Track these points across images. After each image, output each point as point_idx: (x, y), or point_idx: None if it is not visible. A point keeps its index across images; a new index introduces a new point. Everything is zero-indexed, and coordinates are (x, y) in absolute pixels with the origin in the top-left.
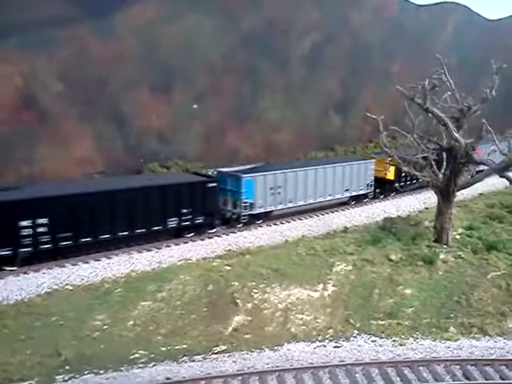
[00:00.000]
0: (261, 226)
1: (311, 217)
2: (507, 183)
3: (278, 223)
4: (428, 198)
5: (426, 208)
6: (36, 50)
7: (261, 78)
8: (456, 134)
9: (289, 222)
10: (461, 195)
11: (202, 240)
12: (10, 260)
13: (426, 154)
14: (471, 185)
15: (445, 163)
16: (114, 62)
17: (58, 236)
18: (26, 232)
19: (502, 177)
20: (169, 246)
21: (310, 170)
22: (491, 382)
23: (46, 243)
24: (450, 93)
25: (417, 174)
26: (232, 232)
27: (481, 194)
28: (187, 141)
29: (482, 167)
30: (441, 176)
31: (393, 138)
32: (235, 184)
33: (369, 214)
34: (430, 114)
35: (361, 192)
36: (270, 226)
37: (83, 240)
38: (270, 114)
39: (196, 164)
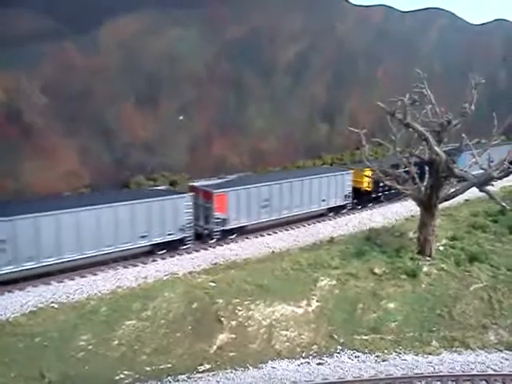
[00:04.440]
0: (248, 238)
1: (298, 227)
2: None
3: (264, 234)
4: (414, 206)
5: (412, 216)
6: (20, 65)
7: (246, 87)
8: (436, 149)
9: (276, 232)
10: (447, 202)
11: (189, 253)
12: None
13: (407, 168)
14: (453, 197)
15: (427, 176)
16: (99, 75)
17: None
18: None
19: (481, 191)
20: (155, 261)
21: None
22: None
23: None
24: (430, 106)
25: (399, 187)
26: (219, 245)
27: (467, 201)
28: (173, 152)
29: None
30: (423, 189)
31: (379, 145)
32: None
33: (355, 223)
34: (410, 129)
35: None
36: (256, 237)
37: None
38: (256, 122)
39: (183, 175)
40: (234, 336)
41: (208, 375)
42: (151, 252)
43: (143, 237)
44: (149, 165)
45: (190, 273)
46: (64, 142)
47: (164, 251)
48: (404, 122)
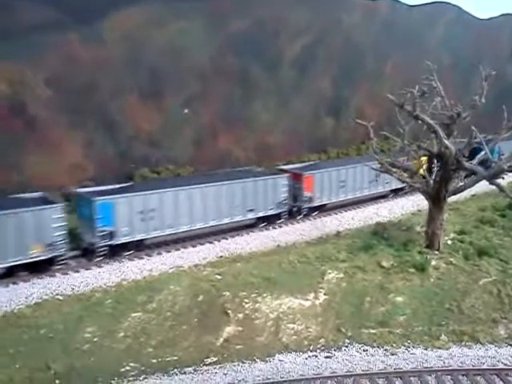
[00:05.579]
0: (252, 232)
1: (304, 221)
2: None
3: (269, 228)
4: (421, 200)
5: (419, 210)
6: (24, 57)
7: (252, 81)
8: (446, 142)
9: (281, 226)
10: (454, 196)
11: (194, 247)
12: None
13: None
14: (462, 191)
15: (435, 169)
16: (103, 67)
17: None
18: None
19: (491, 184)
20: (160, 254)
21: None
22: None
23: None
24: (440, 99)
25: (407, 180)
26: (224, 238)
27: (473, 196)
28: (178, 145)
29: None
30: (431, 182)
31: (386, 138)
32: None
33: (361, 218)
34: (419, 121)
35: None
36: (261, 231)
37: None
38: (261, 116)
39: (187, 168)
40: (240, 329)
41: (215, 368)
42: (254, 225)
43: (251, 210)
44: (153, 157)
45: (196, 266)
46: (68, 134)
47: (264, 224)
48: (413, 114)
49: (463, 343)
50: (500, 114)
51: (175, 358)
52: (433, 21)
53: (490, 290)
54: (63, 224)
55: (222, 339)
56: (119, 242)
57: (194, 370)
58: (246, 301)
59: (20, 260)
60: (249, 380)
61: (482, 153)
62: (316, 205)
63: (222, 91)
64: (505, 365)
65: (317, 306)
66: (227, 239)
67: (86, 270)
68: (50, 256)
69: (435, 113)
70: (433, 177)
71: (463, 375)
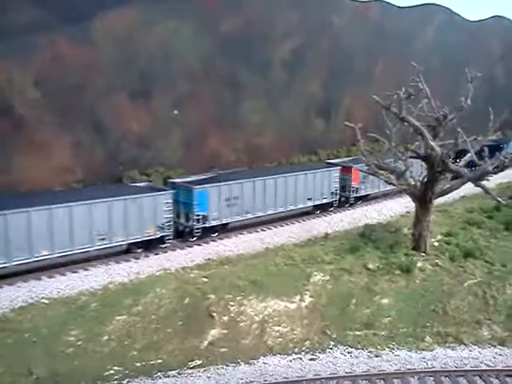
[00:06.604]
0: (242, 234)
1: (293, 223)
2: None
3: (258, 230)
4: (410, 202)
5: (408, 212)
6: (11, 57)
7: (241, 82)
8: (432, 143)
9: (270, 228)
10: (442, 198)
11: (182, 249)
12: None
13: (403, 163)
14: (448, 192)
15: (422, 171)
16: (92, 68)
17: None
18: None
19: (477, 186)
20: (147, 257)
21: None
22: None
23: None
24: (426, 101)
25: (394, 182)
26: (213, 241)
27: (463, 197)
28: (168, 147)
29: None
30: (418, 184)
31: (375, 140)
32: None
33: (350, 219)
34: (406, 123)
35: None
36: (251, 233)
37: None
38: (251, 117)
39: (177, 170)
40: (225, 331)
41: (199, 371)
42: (310, 212)
43: (309, 199)
44: (142, 159)
45: (183, 268)
46: (56, 136)
47: (318, 211)
48: (399, 116)
49: (447, 344)
50: (489, 116)
51: (160, 361)
52: (423, 23)
53: (475, 291)
54: (171, 208)
55: (206, 342)
56: (210, 225)
57: (178, 374)
58: (232, 303)
59: (138, 238)
60: (232, 383)
61: (469, 154)
62: (360, 195)
63: (212, 92)
64: (487, 366)
65: (302, 309)
66: (216, 241)
67: (73, 272)
68: (160, 235)
69: (422, 115)
70: (419, 178)
71: (446, 376)
